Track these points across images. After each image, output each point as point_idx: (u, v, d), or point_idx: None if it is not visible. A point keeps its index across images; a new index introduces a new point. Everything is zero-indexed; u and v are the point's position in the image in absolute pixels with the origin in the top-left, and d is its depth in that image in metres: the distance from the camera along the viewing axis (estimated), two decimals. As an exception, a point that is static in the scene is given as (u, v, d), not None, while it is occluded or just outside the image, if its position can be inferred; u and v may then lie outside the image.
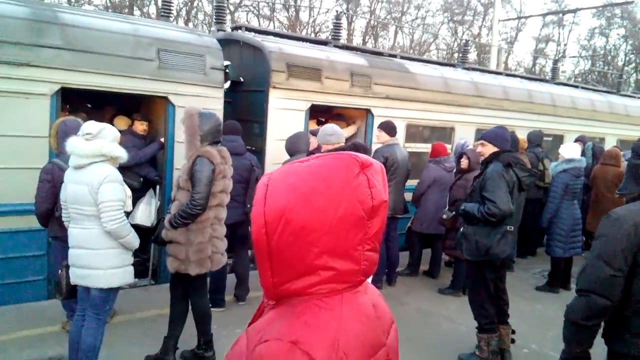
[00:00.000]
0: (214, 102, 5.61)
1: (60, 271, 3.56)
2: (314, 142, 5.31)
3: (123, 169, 5.08)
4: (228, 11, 21.60)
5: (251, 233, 1.00)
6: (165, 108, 5.51)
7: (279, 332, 0.94)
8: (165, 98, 5.42)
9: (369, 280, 1.09)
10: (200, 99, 5.46)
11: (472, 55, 27.10)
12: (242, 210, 4.90)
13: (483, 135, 4.37)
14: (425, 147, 7.58)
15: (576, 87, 11.65)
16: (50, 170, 3.93)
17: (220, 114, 5.33)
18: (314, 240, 0.95)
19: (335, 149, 4.62)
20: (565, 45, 33.06)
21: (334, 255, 0.96)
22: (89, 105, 6.29)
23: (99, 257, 3.32)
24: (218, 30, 7.25)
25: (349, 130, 7.06)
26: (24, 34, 4.61)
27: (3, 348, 4.01)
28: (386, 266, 6.02)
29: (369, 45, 25.68)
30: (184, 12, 24.41)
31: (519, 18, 28.57)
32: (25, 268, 4.79)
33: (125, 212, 3.43)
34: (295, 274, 0.97)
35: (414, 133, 7.74)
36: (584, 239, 6.41)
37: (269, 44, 6.46)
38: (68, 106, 5.63)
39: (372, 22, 27.76)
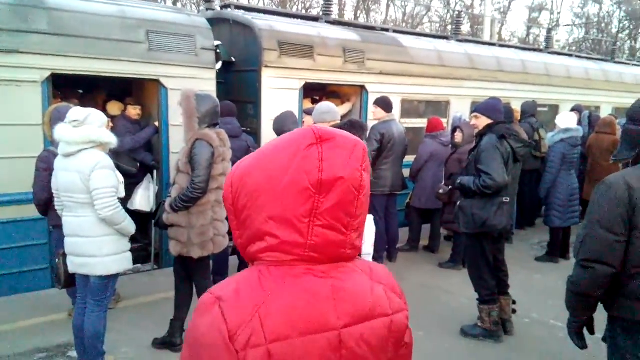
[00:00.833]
0: (206, 84, 5.53)
1: (57, 260, 3.54)
2: (309, 121, 5.27)
3: (119, 154, 5.11)
4: (216, -10, 21.18)
5: None
6: (158, 91, 5.45)
7: (217, 286, 1.02)
8: (157, 81, 5.35)
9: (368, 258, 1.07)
10: (192, 80, 5.38)
11: (466, 27, 26.80)
12: (240, 192, 4.88)
13: (476, 108, 4.35)
14: (421, 122, 7.55)
15: (570, 56, 11.58)
16: (46, 158, 3.89)
17: (214, 95, 5.27)
18: (262, 205, 0.98)
19: (331, 127, 4.59)
20: (558, 13, 32.81)
21: (278, 223, 0.97)
22: (81, 92, 6.22)
23: (95, 245, 3.29)
24: (207, 9, 7.13)
25: (344, 108, 7.02)
26: (11, 20, 4.52)
27: (10, 337, 4.04)
28: (386, 242, 6.05)
29: (361, 20, 25.36)
30: (171, -8, 23.94)
31: (511, -13, 28.19)
32: (27, 257, 4.79)
33: (118, 198, 3.39)
34: (251, 237, 1.02)
35: (409, 108, 7.69)
36: (581, 208, 6.45)
37: (260, 21, 6.35)
38: (60, 93, 5.55)
39: (363, -4, 27.36)
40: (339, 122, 4.70)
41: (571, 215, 6.22)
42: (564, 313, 2.48)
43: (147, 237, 5.82)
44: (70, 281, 3.54)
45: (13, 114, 4.56)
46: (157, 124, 5.62)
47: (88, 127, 3.23)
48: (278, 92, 6.18)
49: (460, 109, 7.55)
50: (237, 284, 0.99)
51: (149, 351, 3.91)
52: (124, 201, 3.46)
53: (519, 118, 7.12)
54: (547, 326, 4.62)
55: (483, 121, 4.23)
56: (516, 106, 7.34)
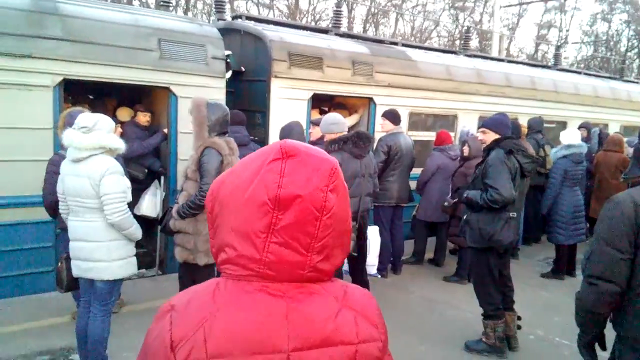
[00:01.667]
0: (215, 92, 5.58)
1: (60, 264, 3.56)
2: (317, 132, 5.29)
3: (127, 160, 5.14)
4: (227, 0, 21.44)
5: None
6: (168, 98, 5.49)
7: (177, 295, 1.01)
8: (167, 88, 5.40)
9: (372, 271, 1.04)
10: (202, 89, 5.43)
11: (474, 42, 26.91)
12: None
13: (484, 123, 4.37)
14: (429, 136, 7.56)
15: (579, 73, 11.58)
16: (57, 161, 3.92)
17: (223, 104, 5.31)
18: (228, 215, 0.98)
19: (339, 138, 4.61)
20: (567, 31, 32.84)
21: (238, 234, 0.96)
22: (92, 97, 6.28)
23: (103, 250, 3.32)
24: (218, 19, 7.21)
25: (351, 119, 7.05)
26: (25, 26, 4.59)
27: (14, 339, 4.05)
28: (391, 254, 6.04)
29: (370, 33, 25.51)
30: (183, 2, 24.24)
31: (520, 4, 28.29)
32: (33, 259, 4.81)
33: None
34: (219, 247, 1.01)
35: (417, 121, 7.71)
36: (587, 225, 6.41)
37: (270, 32, 6.42)
38: (70, 98, 5.61)
39: (372, 9, 27.56)
40: (346, 133, 4.73)
41: (575, 232, 6.17)
42: (570, 330, 2.47)
43: (152, 242, 5.84)
44: (72, 285, 3.55)
45: (24, 117, 4.62)
46: (165, 130, 5.67)
47: (97, 132, 3.27)
48: (287, 102, 6.22)
49: (467, 123, 7.56)
50: (192, 295, 0.98)
51: (151, 357, 3.89)
52: (130, 206, 3.47)
53: (526, 133, 7.11)
54: (552, 343, 4.57)
55: (490, 136, 4.23)
56: (524, 122, 7.34)
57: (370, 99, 7.07)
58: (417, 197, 6.42)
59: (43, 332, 4.18)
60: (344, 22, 11.83)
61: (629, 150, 6.84)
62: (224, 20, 7.19)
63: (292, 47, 6.32)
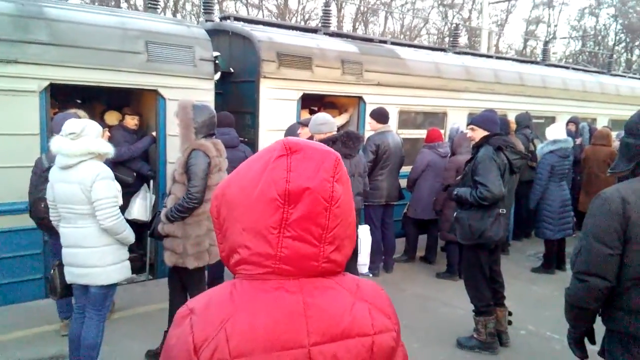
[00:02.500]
0: (204, 94, 5.57)
1: (52, 271, 3.54)
2: (306, 132, 5.30)
3: (115, 164, 5.11)
4: (216, 0, 21.37)
5: None
6: (156, 101, 5.47)
7: (194, 299, 1.02)
8: (155, 91, 5.38)
9: (363, 270, 1.05)
10: (190, 91, 5.42)
11: (463, 39, 27.02)
12: (237, 202, 4.89)
13: (472, 120, 4.39)
14: (419, 133, 7.59)
15: (567, 68, 11.66)
16: (36, 163, 3.98)
17: (211, 106, 5.30)
18: (238, 216, 0.99)
19: (328, 138, 4.62)
20: (555, 26, 33.05)
21: (250, 234, 0.98)
22: (79, 101, 6.23)
23: (96, 255, 3.31)
24: (206, 20, 7.18)
25: (341, 119, 7.05)
26: (10, 31, 4.54)
27: (4, 348, 4.01)
28: (383, 252, 6.05)
29: (359, 32, 25.53)
30: (171, 3, 24.12)
31: (509, 0, 28.45)
32: (21, 267, 4.77)
33: None
34: (230, 249, 1.02)
35: (407, 119, 7.73)
36: (575, 219, 6.47)
37: (259, 33, 6.40)
38: (57, 102, 5.57)
39: (361, 8, 27.58)
40: (335, 133, 4.73)
41: (563, 227, 6.21)
42: (561, 325, 2.48)
43: (142, 247, 5.80)
44: (65, 292, 3.54)
45: (10, 123, 4.57)
46: (154, 133, 5.64)
47: (85, 138, 3.25)
48: (276, 102, 6.21)
49: (457, 120, 7.60)
50: (210, 297, 1.00)
51: (142, 362, 3.88)
52: (120, 211, 3.46)
53: (514, 129, 7.15)
54: (544, 338, 4.61)
55: (479, 133, 4.26)
56: (512, 118, 7.39)
57: (360, 98, 7.07)
58: (407, 195, 6.43)
59: (32, 340, 4.15)
60: (334, 21, 11.84)
61: (616, 144, 6.90)
62: (213, 21, 7.17)
63: (281, 47, 6.32)
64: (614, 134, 7.77)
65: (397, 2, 30.10)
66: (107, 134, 5.13)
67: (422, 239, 6.76)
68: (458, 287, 5.48)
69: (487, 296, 4.19)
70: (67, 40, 4.80)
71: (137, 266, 5.68)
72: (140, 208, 5.62)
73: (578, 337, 2.39)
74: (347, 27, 27.20)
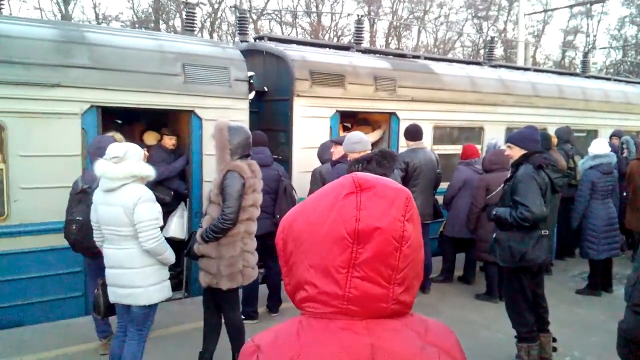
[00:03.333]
0: (239, 113, 5.64)
1: (96, 290, 3.63)
2: (339, 151, 5.27)
3: (154, 183, 5.21)
4: (251, 20, 21.82)
5: None
6: (189, 121, 5.55)
7: (259, 335, 1.01)
8: (192, 112, 5.47)
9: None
10: (225, 110, 5.50)
11: (499, 51, 26.60)
12: (271, 221, 4.89)
13: (509, 138, 4.27)
14: (454, 149, 7.45)
15: (608, 79, 11.29)
16: (75, 183, 4.12)
17: (246, 125, 5.36)
18: (305, 252, 0.97)
19: (362, 157, 4.57)
20: (594, 36, 32.17)
21: (317, 271, 0.95)
22: (119, 122, 6.41)
23: (139, 276, 3.38)
24: (241, 41, 7.32)
25: (374, 135, 7.01)
26: (53, 55, 4.73)
27: (44, 365, 4.10)
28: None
29: (392, 46, 25.53)
30: (208, 23, 24.76)
31: (545, 11, 27.91)
32: (63, 285, 4.90)
33: None
34: (296, 285, 1.00)
35: (442, 135, 7.61)
36: (623, 238, 6.15)
37: (292, 52, 6.46)
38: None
39: (394, 22, 27.59)
40: (369, 151, 4.68)
41: (609, 246, 5.92)
42: (608, 351, 2.35)
43: (178, 264, 5.86)
44: (109, 311, 3.64)
45: (53, 145, 4.74)
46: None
47: (128, 162, 3.34)
48: (309, 120, 6.23)
49: (494, 135, 7.42)
50: (277, 334, 0.99)
51: (178, 383, 3.89)
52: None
53: (556, 144, 6.93)
54: (591, 365, 4.38)
55: (516, 151, 4.13)
56: (552, 132, 7.16)
57: (394, 114, 7.02)
58: (445, 212, 6.30)
59: (72, 358, 4.22)
60: (366, 37, 11.89)
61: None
62: (247, 41, 7.29)
63: (314, 66, 6.35)
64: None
65: (430, 16, 30.00)
66: (146, 153, 5.26)
67: (460, 258, 6.58)
68: (498, 309, 5.29)
69: (530, 321, 4.01)
70: (108, 64, 4.96)
71: (174, 283, 5.74)
72: (177, 226, 5.70)
73: None
74: (379, 42, 27.26)
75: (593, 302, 5.92)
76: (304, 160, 6.06)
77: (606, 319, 5.13)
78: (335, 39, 25.43)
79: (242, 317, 4.11)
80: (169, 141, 5.95)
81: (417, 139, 5.88)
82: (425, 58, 8.30)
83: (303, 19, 26.95)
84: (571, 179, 6.03)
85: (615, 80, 11.41)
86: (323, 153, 5.32)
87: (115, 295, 3.45)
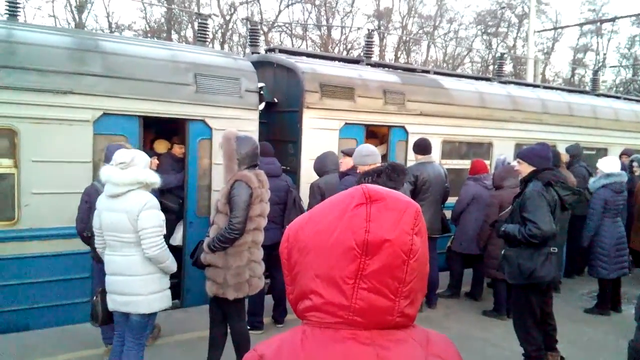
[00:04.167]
0: (249, 124, 5.67)
1: (95, 297, 3.61)
2: (348, 162, 5.27)
3: (163, 191, 5.24)
4: (262, 32, 22.04)
5: None
6: (188, 130, 5.52)
7: (262, 344, 1.01)
8: (202, 121, 5.51)
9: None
10: (235, 121, 5.53)
11: (508, 68, 26.65)
12: (280, 232, 4.87)
13: (519, 154, 4.27)
14: (463, 164, 7.44)
15: (618, 97, 11.25)
16: (88, 191, 4.09)
17: (255, 135, 5.39)
18: (311, 261, 0.97)
19: (373, 170, 4.57)
20: (604, 54, 32.12)
21: (324, 281, 0.95)
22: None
23: (139, 283, 3.35)
24: (252, 52, 7.38)
25: (382, 148, 7.01)
26: (67, 63, 4.79)
27: (48, 370, 4.09)
28: (425, 287, 5.87)
29: (401, 61, 25.64)
30: (219, 35, 25.02)
31: (555, 29, 28.00)
32: (70, 290, 4.91)
33: None
34: (300, 294, 1.00)
35: (451, 149, 7.61)
36: (631, 258, 6.08)
37: (302, 64, 6.51)
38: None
39: (404, 37, 27.74)
40: (379, 164, 4.68)
41: (618, 265, 5.86)
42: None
43: (179, 274, 5.86)
44: (107, 319, 3.59)
45: (64, 151, 4.78)
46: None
47: (134, 168, 3.34)
48: (318, 132, 6.25)
49: (503, 151, 7.41)
50: (280, 343, 0.98)
51: (182, 392, 3.87)
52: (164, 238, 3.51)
53: (570, 162, 6.91)
54: (600, 386, 4.31)
55: (525, 168, 4.12)
56: (561, 149, 7.13)
57: (402, 128, 7.03)
58: (453, 227, 6.27)
59: (78, 363, 4.22)
60: (376, 50, 11.93)
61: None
62: (258, 53, 7.36)
63: (324, 78, 6.39)
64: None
65: (439, 31, 30.14)
66: (156, 161, 5.30)
67: (468, 274, 6.52)
68: (506, 326, 5.24)
69: (538, 340, 3.96)
70: (121, 72, 5.01)
71: (175, 292, 5.73)
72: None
73: None
74: (389, 57, 27.39)
75: (601, 321, 5.84)
76: (312, 171, 6.05)
77: (615, 338, 5.05)
78: (345, 53, 25.60)
79: (248, 327, 4.09)
80: (179, 150, 5.99)
81: (426, 153, 5.87)
82: (435, 73, 8.33)
83: (313, 32, 27.19)
84: (582, 197, 5.99)
85: (625, 98, 11.37)
86: (321, 166, 5.21)
87: (115, 302, 3.41)
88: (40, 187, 4.70)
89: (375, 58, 8.05)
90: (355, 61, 7.81)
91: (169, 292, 3.57)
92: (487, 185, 6.10)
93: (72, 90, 4.78)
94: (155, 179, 3.46)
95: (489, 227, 5.64)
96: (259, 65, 6.51)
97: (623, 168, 6.78)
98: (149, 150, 5.93)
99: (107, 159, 3.81)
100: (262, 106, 6.03)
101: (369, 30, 8.55)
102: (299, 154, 6.24)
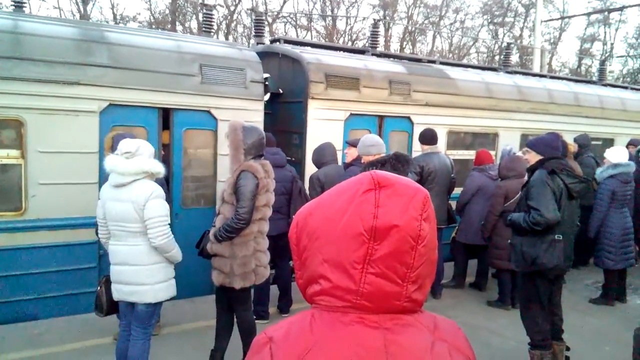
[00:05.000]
0: (254, 115, 5.67)
1: (99, 287, 3.62)
2: (353, 152, 5.27)
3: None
4: (266, 23, 21.97)
5: None
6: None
7: (272, 327, 1.02)
8: (208, 112, 5.52)
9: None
10: (241, 111, 5.54)
11: (514, 58, 26.44)
12: (285, 222, 4.91)
13: (527, 142, 4.27)
14: (469, 154, 7.42)
15: (625, 87, 11.16)
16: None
17: (260, 126, 5.39)
18: (320, 246, 0.98)
19: (377, 160, 4.57)
20: (612, 44, 31.78)
21: (332, 266, 0.96)
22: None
23: (145, 273, 3.36)
24: (257, 43, 7.36)
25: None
26: (74, 54, 4.80)
27: (56, 359, 4.14)
28: (430, 277, 5.89)
29: (407, 51, 25.50)
30: (224, 26, 24.94)
31: (562, 18, 27.71)
32: (77, 280, 4.95)
33: None
34: (309, 279, 1.01)
35: (456, 140, 7.59)
36: (637, 248, 6.06)
37: (307, 55, 6.49)
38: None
39: (409, 27, 27.56)
40: (384, 154, 4.68)
41: (625, 256, 5.84)
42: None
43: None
44: (112, 309, 3.61)
45: (71, 142, 4.80)
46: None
47: (139, 158, 3.34)
48: (323, 122, 6.25)
49: (509, 142, 7.38)
50: (289, 326, 0.99)
51: (189, 380, 3.91)
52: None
53: (579, 152, 6.88)
54: (604, 375, 4.33)
55: (533, 156, 4.12)
56: (568, 139, 7.09)
57: (408, 118, 7.01)
58: (458, 218, 6.27)
59: (86, 352, 4.26)
60: (381, 41, 11.88)
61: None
62: (263, 43, 7.34)
63: (329, 69, 6.37)
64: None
65: (445, 21, 29.91)
66: (162, 152, 5.32)
67: (472, 265, 6.53)
68: (510, 316, 5.26)
69: (545, 329, 3.97)
70: (126, 63, 5.02)
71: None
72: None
73: None
74: (394, 47, 27.22)
75: (606, 311, 5.84)
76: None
77: (620, 328, 5.05)
78: (350, 43, 25.47)
79: (254, 316, 4.12)
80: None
81: (432, 143, 5.85)
82: (441, 63, 8.28)
83: (318, 22, 27.05)
84: (589, 186, 5.95)
85: (632, 88, 11.27)
86: (320, 157, 5.14)
87: (120, 292, 3.41)
88: (47, 177, 4.73)
89: (380, 48, 8.01)
90: (361, 51, 7.78)
91: (174, 282, 3.57)
92: (492, 176, 6.09)
93: (78, 81, 4.79)
94: (161, 169, 3.46)
95: (494, 218, 5.64)
96: (263, 55, 6.49)
97: (630, 158, 6.74)
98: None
99: (114, 149, 3.82)
100: (267, 97, 6.03)
101: (374, 20, 8.51)
102: (304, 144, 6.24)
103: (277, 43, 7.24)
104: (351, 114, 6.47)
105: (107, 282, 3.54)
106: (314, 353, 0.92)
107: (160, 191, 3.38)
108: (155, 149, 4.28)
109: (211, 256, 3.78)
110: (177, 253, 3.51)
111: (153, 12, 25.82)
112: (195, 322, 4.91)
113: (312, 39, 24.69)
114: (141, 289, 3.36)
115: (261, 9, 23.38)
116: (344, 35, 26.93)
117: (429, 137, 5.86)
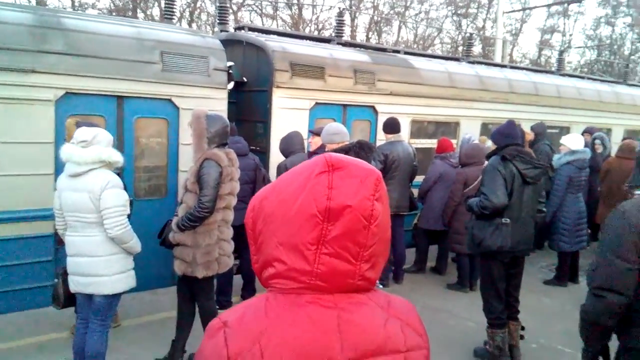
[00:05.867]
0: (217, 103, 5.62)
1: (56, 280, 3.54)
2: (317, 141, 5.31)
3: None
4: (231, 11, 21.62)
5: None
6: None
7: (226, 312, 1.03)
8: (169, 100, 5.44)
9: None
10: (204, 100, 5.47)
11: (477, 49, 26.90)
12: (248, 211, 4.90)
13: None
14: (431, 143, 7.57)
15: (582, 78, 11.56)
16: None
17: (224, 115, 5.34)
18: (275, 230, 0.99)
19: (340, 148, 4.62)
20: (570, 35, 32.73)
21: (287, 249, 0.98)
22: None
23: (102, 264, 3.30)
24: (221, 30, 7.26)
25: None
26: (28, 41, 4.63)
27: (13, 354, 4.05)
28: (393, 263, 6.02)
29: (373, 41, 25.59)
30: (187, 14, 24.42)
31: (523, 9, 28.33)
32: (32, 274, 4.81)
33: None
34: (264, 263, 1.02)
35: (419, 129, 7.72)
36: (589, 231, 6.35)
37: (272, 43, 6.46)
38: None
39: (375, 17, 27.66)
40: (347, 142, 4.73)
41: (579, 239, 6.13)
42: (572, 338, 2.45)
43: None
44: (69, 301, 3.54)
45: (25, 132, 4.64)
46: None
47: (97, 146, 3.27)
48: (288, 111, 6.25)
49: (470, 130, 7.56)
50: (244, 310, 1.00)
51: (150, 371, 3.89)
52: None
53: (535, 140, 7.09)
54: (555, 352, 4.54)
55: (491, 145, 4.27)
56: (527, 128, 7.32)
57: (372, 107, 7.08)
58: (420, 205, 6.40)
59: (41, 347, 4.17)
60: (347, 31, 11.89)
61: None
62: (227, 31, 7.25)
63: (294, 57, 6.36)
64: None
65: (410, 12, 30.13)
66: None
67: (433, 250, 6.70)
68: (469, 298, 5.44)
69: (498, 308, 4.13)
70: (84, 50, 4.88)
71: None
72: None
73: (593, 355, 2.34)
74: (360, 37, 27.25)
75: (560, 292, 6.12)
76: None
77: (572, 308, 5.27)
78: (316, 32, 25.37)
79: (217, 306, 4.13)
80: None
81: (395, 132, 5.95)
82: (405, 53, 8.37)
83: (284, 11, 26.80)
84: (545, 171, 6.17)
85: (588, 78, 11.69)
86: (287, 146, 5.15)
87: (77, 284, 3.35)
88: (1, 169, 4.56)
89: (346, 38, 8.04)
90: (326, 40, 7.79)
91: (133, 273, 3.51)
92: (453, 164, 6.25)
93: (34, 69, 4.63)
94: (119, 158, 3.39)
95: (453, 203, 5.81)
96: (228, 43, 6.42)
97: (586, 145, 7.00)
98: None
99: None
100: (231, 85, 5.97)
101: (340, 9, 8.51)
102: (268, 134, 6.23)
103: (242, 31, 7.16)
104: (316, 103, 6.49)
105: (65, 274, 3.46)
106: (268, 335, 0.93)
107: (117, 181, 3.32)
108: (114, 138, 4.18)
109: (173, 246, 3.76)
110: (135, 244, 3.45)
111: (113, -1, 25.03)
112: (157, 314, 4.88)
113: (277, 27, 24.47)
114: (98, 280, 3.30)
115: (226, -4, 22.94)
116: (310, 25, 26.80)
117: (392, 126, 5.95)
